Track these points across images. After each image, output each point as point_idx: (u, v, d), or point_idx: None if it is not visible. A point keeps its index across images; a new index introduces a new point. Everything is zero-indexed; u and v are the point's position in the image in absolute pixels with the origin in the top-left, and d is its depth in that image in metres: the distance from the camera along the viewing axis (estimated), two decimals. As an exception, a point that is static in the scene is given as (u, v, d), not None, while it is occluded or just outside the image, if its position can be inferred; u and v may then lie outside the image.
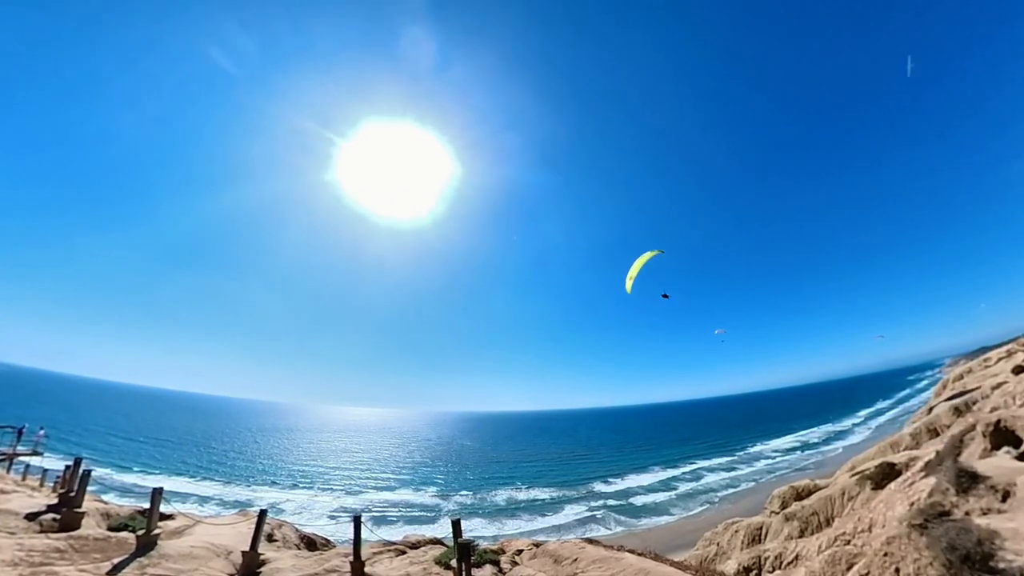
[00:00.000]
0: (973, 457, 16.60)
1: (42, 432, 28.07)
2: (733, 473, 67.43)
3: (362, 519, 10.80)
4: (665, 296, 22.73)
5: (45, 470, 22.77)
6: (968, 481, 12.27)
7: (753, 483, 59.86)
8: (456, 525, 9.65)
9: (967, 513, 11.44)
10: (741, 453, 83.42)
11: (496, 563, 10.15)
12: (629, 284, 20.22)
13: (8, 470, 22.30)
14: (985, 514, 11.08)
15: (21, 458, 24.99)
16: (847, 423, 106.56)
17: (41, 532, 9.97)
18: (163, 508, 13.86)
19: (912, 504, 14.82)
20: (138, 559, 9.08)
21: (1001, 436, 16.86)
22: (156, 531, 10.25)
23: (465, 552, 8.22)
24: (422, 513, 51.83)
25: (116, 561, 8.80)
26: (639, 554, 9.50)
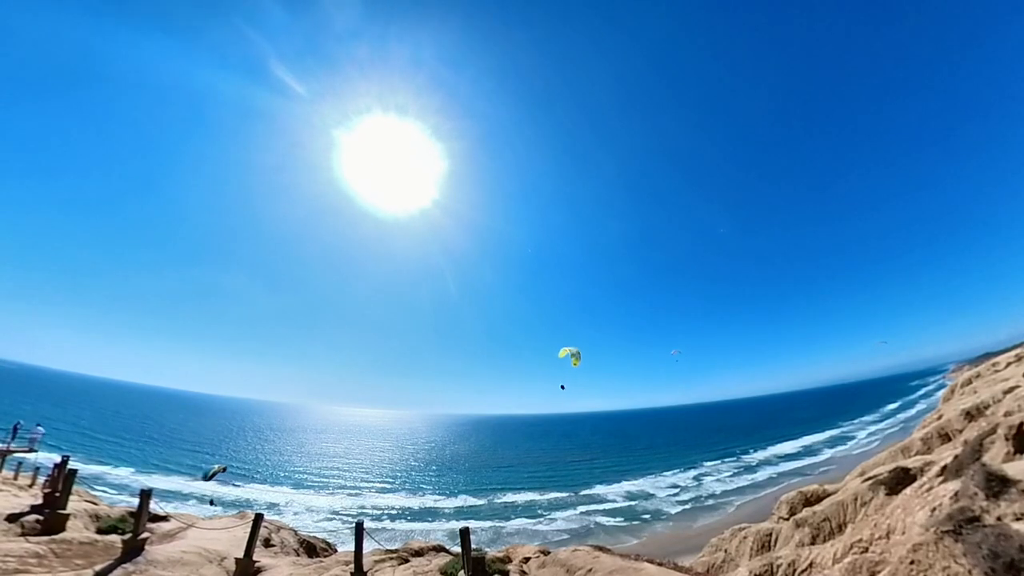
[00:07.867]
0: (996, 460, 16.01)
1: (40, 429, 27.70)
2: (737, 478, 66.76)
3: (359, 522, 10.22)
4: (563, 387, 22.75)
5: (37, 467, 22.29)
6: (999, 485, 11.68)
7: (758, 488, 59.21)
8: (465, 535, 8.90)
9: (999, 518, 10.88)
10: (745, 458, 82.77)
11: (504, 573, 9.46)
12: (570, 358, 20.06)
13: (0, 467, 21.85)
14: (1019, 519, 10.54)
15: (15, 455, 24.65)
16: (852, 428, 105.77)
17: (22, 535, 9.35)
18: (158, 509, 13.29)
19: (934, 510, 14.23)
20: (123, 565, 8.47)
21: (1025, 439, 16.25)
22: (144, 535, 9.68)
23: (480, 569, 7.60)
24: (421, 515, 51.43)
25: (99, 568, 8.21)
26: (659, 564, 8.84)
